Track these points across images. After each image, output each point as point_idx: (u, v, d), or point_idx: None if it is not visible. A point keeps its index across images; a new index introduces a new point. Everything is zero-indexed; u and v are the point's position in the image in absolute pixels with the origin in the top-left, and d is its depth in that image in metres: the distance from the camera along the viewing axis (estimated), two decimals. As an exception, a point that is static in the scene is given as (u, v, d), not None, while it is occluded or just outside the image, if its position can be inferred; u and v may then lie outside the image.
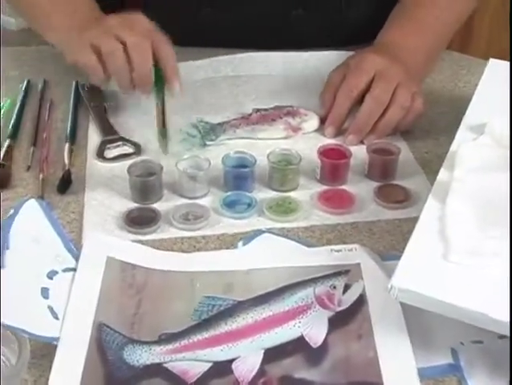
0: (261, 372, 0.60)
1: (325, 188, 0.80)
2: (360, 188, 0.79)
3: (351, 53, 0.93)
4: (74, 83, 0.97)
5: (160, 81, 0.82)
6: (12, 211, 0.72)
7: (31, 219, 0.73)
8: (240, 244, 0.72)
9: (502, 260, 0.62)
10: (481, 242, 0.64)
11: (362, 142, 0.86)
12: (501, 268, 0.61)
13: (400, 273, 0.60)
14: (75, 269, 0.68)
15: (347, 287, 0.67)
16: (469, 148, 0.72)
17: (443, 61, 1.02)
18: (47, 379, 0.59)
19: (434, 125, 0.80)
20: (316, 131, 0.89)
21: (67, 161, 0.80)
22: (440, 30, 0.94)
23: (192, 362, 0.61)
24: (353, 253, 0.70)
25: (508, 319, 0.56)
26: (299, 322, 0.64)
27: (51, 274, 0.66)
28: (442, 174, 0.71)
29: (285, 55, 1.02)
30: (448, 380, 0.60)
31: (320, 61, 0.95)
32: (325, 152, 0.79)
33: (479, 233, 0.65)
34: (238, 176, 0.78)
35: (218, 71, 1.00)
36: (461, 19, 0.98)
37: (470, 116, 0.78)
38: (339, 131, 0.87)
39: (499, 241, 0.63)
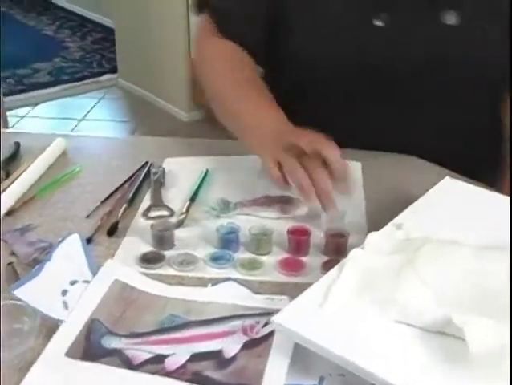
0: (182, 366, 0.82)
1: (289, 256, 1.02)
2: (314, 260, 1.00)
3: None
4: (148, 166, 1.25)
5: None
6: (60, 239, 1.01)
7: (71, 246, 1.01)
8: (209, 285, 0.96)
9: (363, 318, 0.82)
10: (351, 303, 0.83)
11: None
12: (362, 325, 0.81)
13: (282, 313, 0.82)
14: (89, 282, 0.96)
15: (266, 324, 0.87)
16: (376, 236, 0.92)
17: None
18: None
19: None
20: (304, 216, 1.09)
21: (120, 215, 1.11)
22: None
23: (141, 351, 0.84)
24: (281, 302, 0.90)
25: (352, 359, 0.76)
26: (223, 341, 0.85)
27: (73, 282, 0.94)
28: (353, 253, 0.91)
29: None
30: (307, 396, 0.79)
31: None
32: (293, 231, 1.02)
33: (353, 296, 0.84)
34: (226, 239, 1.03)
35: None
36: None
37: (401, 217, 0.98)
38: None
39: (367, 303, 0.83)
